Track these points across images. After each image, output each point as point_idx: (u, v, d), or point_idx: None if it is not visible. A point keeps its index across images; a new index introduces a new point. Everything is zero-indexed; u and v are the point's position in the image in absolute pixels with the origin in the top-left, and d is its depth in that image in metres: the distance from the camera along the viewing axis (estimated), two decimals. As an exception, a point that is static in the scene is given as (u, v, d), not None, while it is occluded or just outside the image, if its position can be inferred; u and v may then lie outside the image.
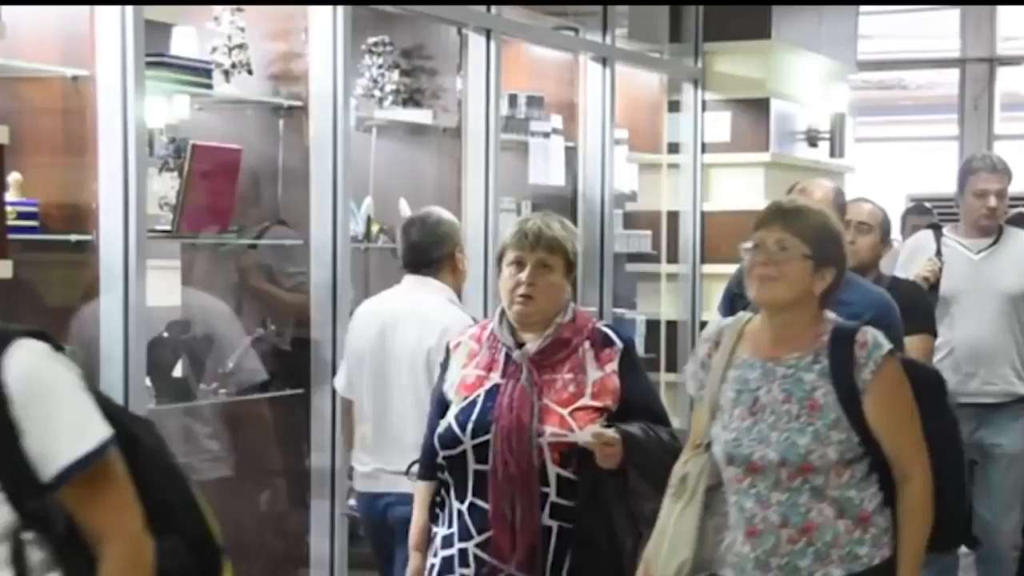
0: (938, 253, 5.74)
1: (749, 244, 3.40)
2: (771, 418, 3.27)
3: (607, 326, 3.75)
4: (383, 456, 4.47)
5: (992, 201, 5.74)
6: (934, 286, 5.61)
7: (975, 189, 5.77)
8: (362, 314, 4.67)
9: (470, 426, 3.54)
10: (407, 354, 4.41)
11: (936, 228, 5.98)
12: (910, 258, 5.87)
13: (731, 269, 7.29)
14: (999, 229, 5.82)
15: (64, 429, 2.19)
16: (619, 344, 3.65)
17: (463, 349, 3.70)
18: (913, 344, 4.74)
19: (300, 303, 5.23)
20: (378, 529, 4.55)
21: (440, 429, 3.59)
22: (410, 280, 4.60)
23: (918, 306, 5.08)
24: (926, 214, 8.29)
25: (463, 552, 3.55)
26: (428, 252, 4.58)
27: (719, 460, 3.34)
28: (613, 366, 3.61)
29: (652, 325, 7.24)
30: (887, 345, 3.28)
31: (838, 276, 3.33)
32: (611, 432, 3.47)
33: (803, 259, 3.29)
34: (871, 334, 3.29)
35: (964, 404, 5.32)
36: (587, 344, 3.63)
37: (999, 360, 5.66)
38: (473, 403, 3.58)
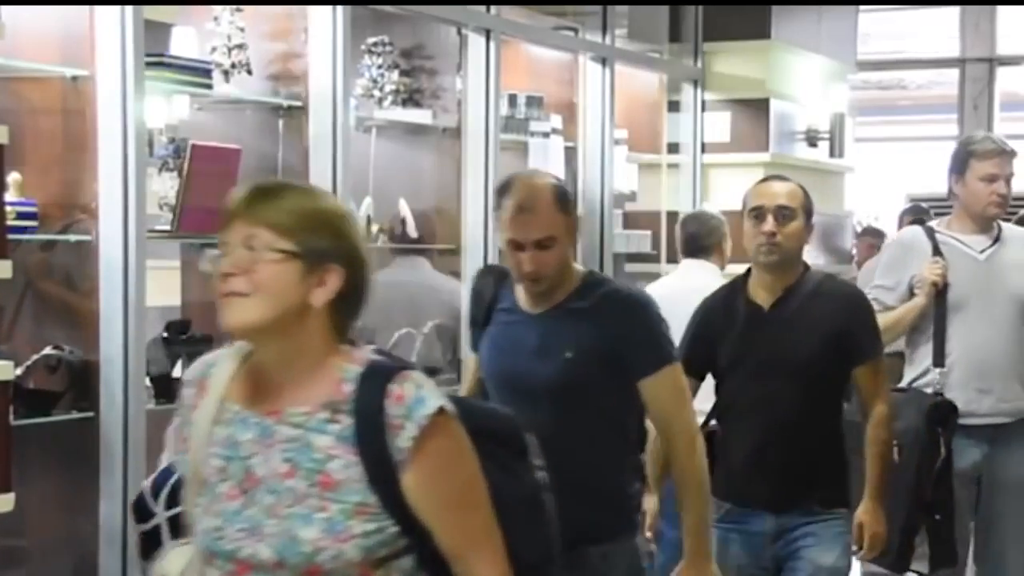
0: (937, 252, 4.95)
1: (216, 252, 2.39)
2: (269, 499, 2.28)
3: None
4: None
5: (1003, 187, 5.00)
6: (941, 292, 4.90)
7: (983, 174, 4.99)
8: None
9: None
10: None
11: (922, 222, 5.30)
12: (900, 260, 5.06)
13: (731, 268, 7.30)
14: (998, 225, 5.09)
15: None
16: None
17: None
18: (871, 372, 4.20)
19: (89, 309, 4.49)
20: None
21: None
22: (688, 263, 5.90)
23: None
24: (923, 215, 8.34)
25: None
26: (702, 240, 5.89)
27: (200, 557, 2.37)
28: None
29: (652, 325, 7.23)
30: (435, 400, 2.27)
31: (353, 278, 2.34)
32: None
33: (282, 258, 2.29)
34: (413, 383, 2.27)
35: (973, 427, 4.84)
36: None
37: (1012, 374, 4.94)
38: None
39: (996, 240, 5.04)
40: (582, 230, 6.66)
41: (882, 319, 4.76)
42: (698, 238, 5.89)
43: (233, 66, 5.06)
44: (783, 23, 7.44)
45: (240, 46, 5.07)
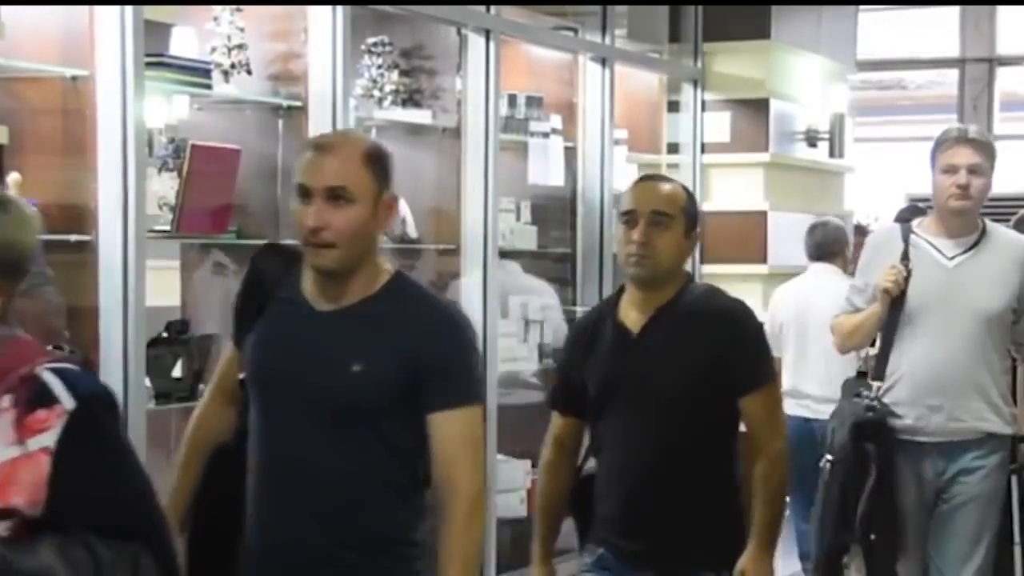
0: (905, 256, 4.59)
1: None
2: None
3: (56, 370, 2.29)
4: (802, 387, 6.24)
5: (963, 177, 4.55)
6: (897, 299, 4.54)
7: (943, 164, 4.60)
8: (780, 294, 6.57)
9: None
10: (825, 318, 5.13)
11: (905, 221, 4.87)
12: (870, 261, 4.75)
13: (731, 269, 7.33)
14: (982, 229, 4.67)
15: None
16: (66, 404, 2.24)
17: None
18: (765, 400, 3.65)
19: (38, 309, 4.02)
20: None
21: None
22: (815, 267, 6.51)
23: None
24: (920, 215, 8.34)
25: None
26: (828, 247, 6.50)
27: None
28: (44, 440, 2.21)
29: (651, 325, 7.23)
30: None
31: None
32: None
33: None
34: None
35: (926, 444, 4.55)
36: (5, 400, 2.24)
37: (970, 392, 4.56)
38: None
39: (974, 245, 4.62)
40: (582, 230, 6.68)
41: (847, 322, 4.74)
42: (824, 245, 6.54)
43: (233, 66, 5.06)
44: (783, 23, 7.44)
45: (240, 46, 5.07)
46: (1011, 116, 11.99)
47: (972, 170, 4.61)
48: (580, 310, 6.63)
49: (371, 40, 5.84)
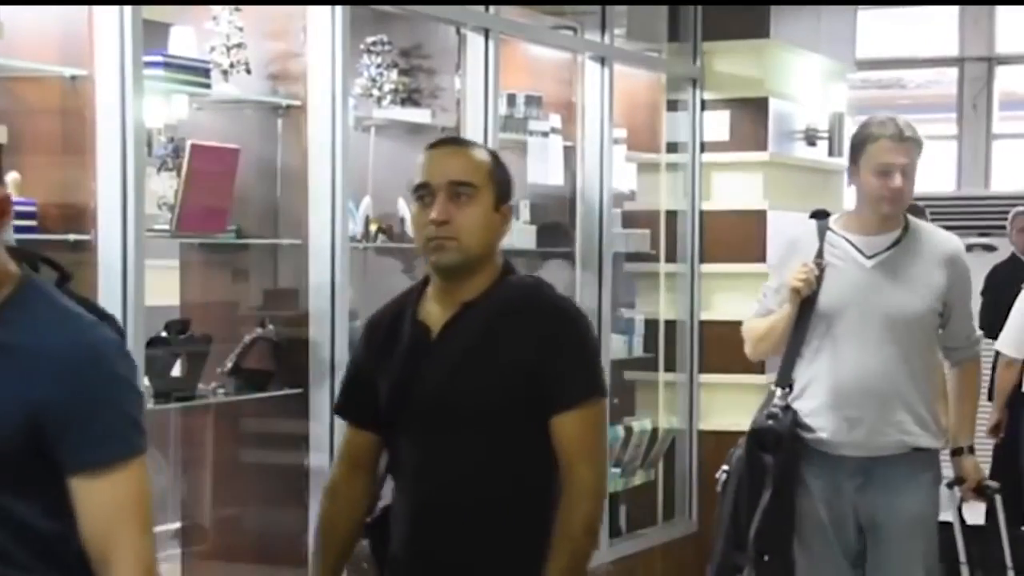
0: (819, 254, 4.32)
1: None
2: None
3: None
4: None
5: (897, 180, 4.23)
6: (808, 300, 4.29)
7: (875, 163, 4.25)
8: None
9: None
10: None
11: (821, 217, 4.51)
12: (784, 258, 4.47)
13: (730, 268, 7.34)
14: (905, 225, 4.36)
15: None
16: None
17: None
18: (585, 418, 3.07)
19: None
20: None
21: None
22: None
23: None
24: (919, 214, 8.34)
25: None
26: None
27: None
28: None
29: (651, 325, 7.24)
30: None
31: None
32: None
33: None
34: None
35: (844, 457, 4.29)
36: None
37: (892, 402, 4.26)
38: None
39: (895, 244, 4.31)
40: (581, 230, 6.67)
41: (758, 325, 4.47)
42: None
43: (232, 66, 5.06)
44: (782, 22, 7.43)
45: (239, 46, 5.07)
46: (1010, 115, 12.00)
47: (906, 172, 4.26)
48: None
49: (370, 39, 5.84)
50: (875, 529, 4.28)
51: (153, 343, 4.61)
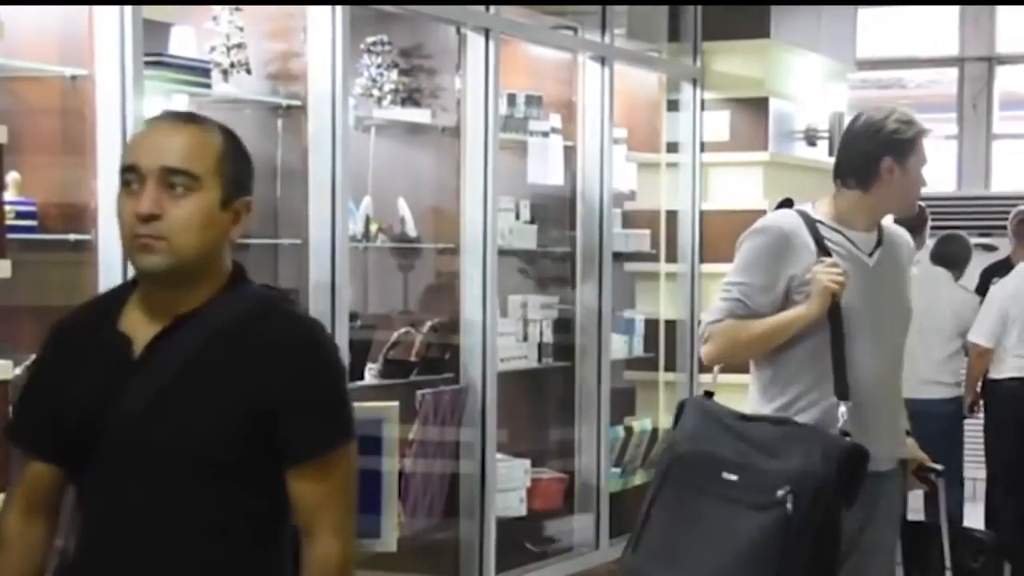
0: (824, 251, 3.90)
1: None
2: None
3: None
4: None
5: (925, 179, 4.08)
6: (835, 304, 3.86)
7: (923, 160, 4.04)
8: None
9: None
10: None
11: (789, 204, 4.10)
12: (778, 253, 3.94)
13: (730, 268, 7.31)
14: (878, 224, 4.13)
15: None
16: None
17: None
18: None
19: None
20: None
21: None
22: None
23: None
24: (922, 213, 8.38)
25: None
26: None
27: None
28: None
29: (651, 324, 7.24)
30: None
31: None
32: None
33: None
34: None
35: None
36: None
37: (899, 411, 4.08)
38: None
39: (881, 240, 4.06)
40: (581, 230, 6.67)
41: (753, 326, 3.90)
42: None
43: (232, 65, 5.06)
44: (782, 22, 7.43)
45: (239, 45, 5.07)
46: (1010, 115, 11.99)
47: None
48: (580, 310, 6.63)
49: (370, 39, 5.84)
50: (858, 538, 3.91)
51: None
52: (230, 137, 2.57)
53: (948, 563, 4.21)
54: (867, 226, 4.02)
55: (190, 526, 2.40)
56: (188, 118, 2.56)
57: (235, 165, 2.52)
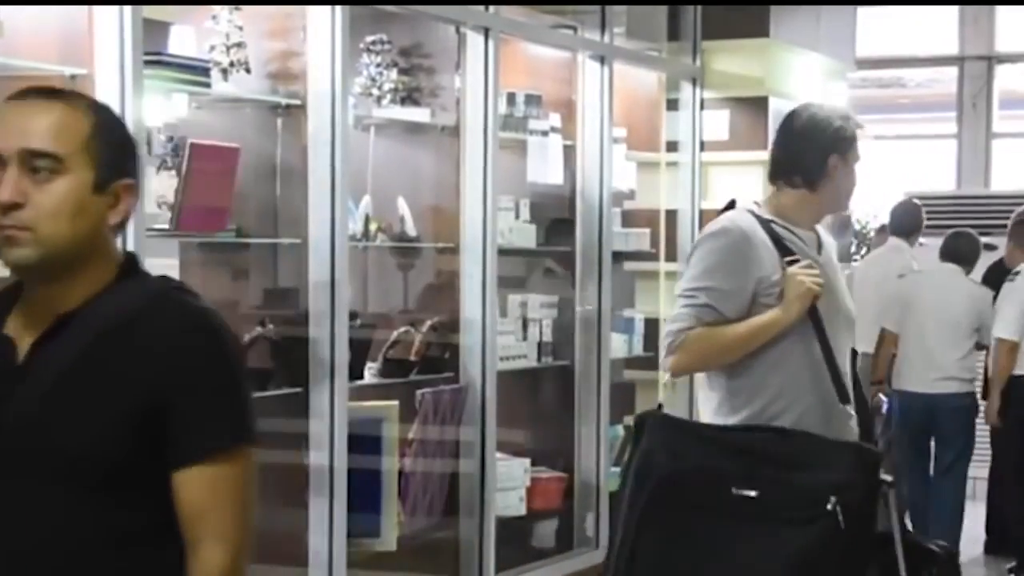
0: (786, 251, 3.79)
1: None
2: None
3: None
4: None
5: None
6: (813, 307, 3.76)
7: (860, 157, 3.97)
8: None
9: None
10: None
11: (734, 205, 3.97)
12: (743, 256, 3.78)
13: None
14: None
15: None
16: None
17: None
18: None
19: None
20: None
21: None
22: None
23: None
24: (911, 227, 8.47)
25: None
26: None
27: None
28: None
29: (651, 324, 7.24)
30: None
31: None
32: None
33: None
34: None
35: None
36: None
37: (847, 419, 3.85)
38: None
39: (819, 240, 3.97)
40: (580, 229, 6.67)
41: (724, 333, 3.75)
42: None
43: (232, 64, 5.06)
44: (782, 21, 7.44)
45: (239, 45, 5.07)
46: (1010, 114, 11.99)
47: None
48: (580, 310, 6.63)
49: (370, 38, 5.84)
50: None
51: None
52: (103, 113, 2.28)
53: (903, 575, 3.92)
54: (810, 226, 3.92)
55: (78, 535, 2.22)
56: (52, 94, 2.27)
57: (109, 144, 2.25)
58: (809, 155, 3.87)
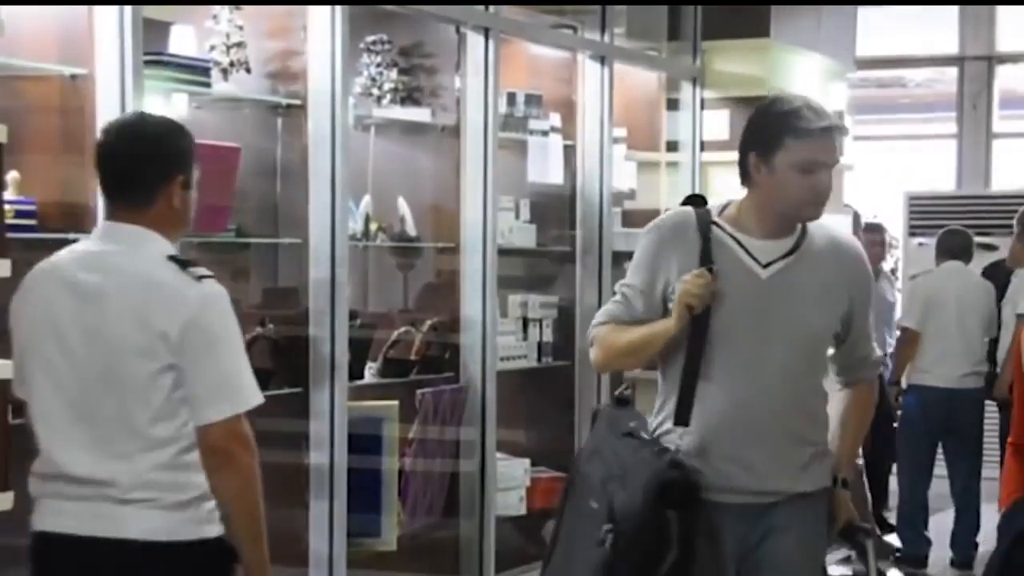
0: (707, 257, 3.48)
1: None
2: None
3: None
4: None
5: (824, 179, 3.48)
6: (700, 319, 3.42)
7: (801, 160, 3.45)
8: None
9: None
10: None
11: (699, 205, 3.65)
12: (659, 254, 3.62)
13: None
14: (803, 228, 3.56)
15: None
16: None
17: None
18: None
19: None
20: None
21: None
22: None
23: None
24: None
25: None
26: None
27: None
28: None
29: (651, 323, 7.23)
30: None
31: None
32: None
33: None
34: None
35: (722, 504, 3.45)
36: None
37: (789, 443, 3.52)
38: None
39: (794, 249, 3.53)
40: (581, 229, 6.67)
41: (623, 337, 3.55)
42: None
43: (232, 64, 5.06)
44: (782, 21, 7.44)
45: (239, 44, 5.07)
46: (1010, 114, 11.98)
47: (828, 169, 3.50)
48: (580, 309, 6.63)
49: (370, 38, 5.84)
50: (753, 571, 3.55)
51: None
52: None
53: None
54: (766, 232, 3.51)
55: None
56: None
57: None
58: (740, 151, 3.57)
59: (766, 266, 3.50)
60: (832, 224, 3.71)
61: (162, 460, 3.12)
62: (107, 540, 3.10)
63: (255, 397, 3.26)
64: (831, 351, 3.66)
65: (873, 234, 8.99)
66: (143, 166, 3.18)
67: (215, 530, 3.16)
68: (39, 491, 3.25)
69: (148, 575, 3.12)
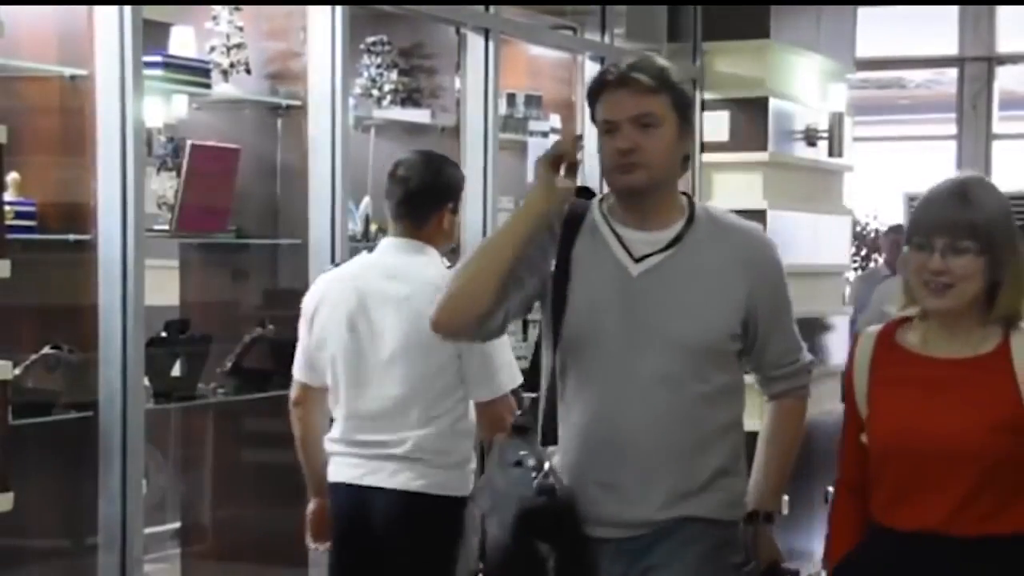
0: (564, 250, 3.10)
1: None
2: None
3: None
4: None
5: (626, 136, 3.01)
6: (556, 316, 3.07)
7: (600, 120, 3.07)
8: None
9: None
10: None
11: (586, 196, 3.19)
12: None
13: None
14: (688, 216, 3.10)
15: None
16: None
17: None
18: None
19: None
20: None
21: None
22: None
23: None
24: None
25: None
26: None
27: None
28: None
29: (651, 324, 7.23)
30: None
31: None
32: None
33: None
34: None
35: (595, 539, 3.04)
36: None
37: (664, 463, 3.03)
38: None
39: (675, 241, 3.08)
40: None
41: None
42: None
43: (232, 65, 5.06)
44: (782, 22, 7.44)
45: (239, 45, 5.08)
46: (1010, 115, 12.00)
47: (639, 122, 3.01)
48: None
49: (370, 39, 5.84)
50: None
51: (153, 343, 4.61)
52: None
53: None
54: (636, 221, 3.08)
55: None
56: None
57: None
58: None
59: (639, 260, 3.05)
60: (723, 209, 3.22)
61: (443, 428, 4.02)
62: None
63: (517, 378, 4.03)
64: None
65: (898, 235, 8.97)
66: (427, 195, 4.15)
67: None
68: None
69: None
